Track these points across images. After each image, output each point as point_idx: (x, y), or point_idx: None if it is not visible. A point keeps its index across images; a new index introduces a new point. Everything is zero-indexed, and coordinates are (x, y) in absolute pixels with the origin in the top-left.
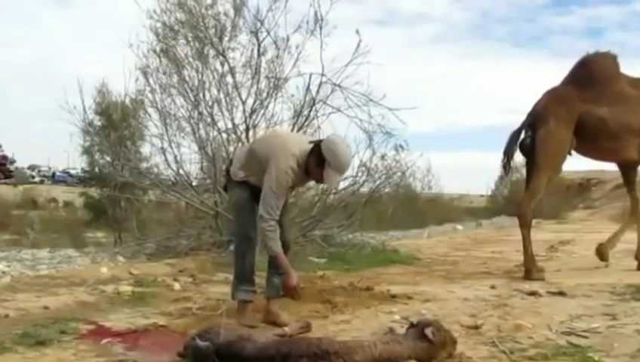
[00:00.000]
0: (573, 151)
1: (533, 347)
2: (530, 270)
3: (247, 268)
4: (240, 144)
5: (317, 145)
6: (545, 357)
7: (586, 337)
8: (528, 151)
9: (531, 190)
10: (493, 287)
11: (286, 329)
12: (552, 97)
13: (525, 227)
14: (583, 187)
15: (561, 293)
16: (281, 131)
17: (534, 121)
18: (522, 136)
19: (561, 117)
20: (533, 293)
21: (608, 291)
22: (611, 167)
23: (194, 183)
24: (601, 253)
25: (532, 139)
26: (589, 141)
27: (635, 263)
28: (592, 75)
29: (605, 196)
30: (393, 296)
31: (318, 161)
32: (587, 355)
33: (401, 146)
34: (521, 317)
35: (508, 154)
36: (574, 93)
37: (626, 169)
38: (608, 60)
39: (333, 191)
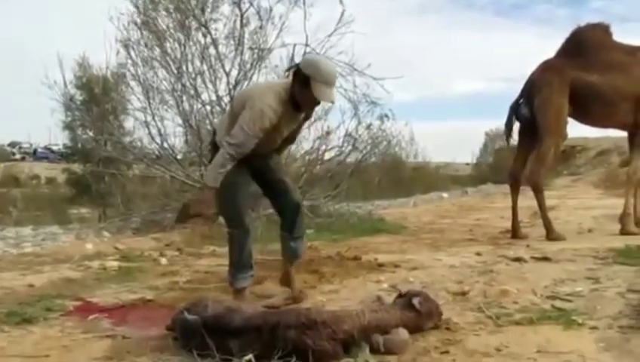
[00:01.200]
0: (569, 118)
1: (518, 311)
2: (551, 230)
3: (244, 256)
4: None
5: (296, 69)
6: (530, 321)
7: (569, 301)
8: (525, 121)
9: (540, 157)
10: (478, 254)
11: (274, 300)
12: (545, 67)
13: (539, 192)
14: (567, 154)
15: (545, 259)
16: (258, 84)
17: (529, 91)
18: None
19: (554, 85)
20: (518, 259)
21: (591, 255)
22: (595, 134)
23: (179, 156)
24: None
25: (529, 109)
26: (583, 107)
27: (619, 227)
28: (583, 45)
29: (589, 163)
30: (380, 265)
31: (301, 83)
32: (571, 318)
33: (386, 116)
34: (506, 283)
35: (508, 126)
36: (566, 62)
37: (631, 133)
38: (599, 30)
39: (319, 162)
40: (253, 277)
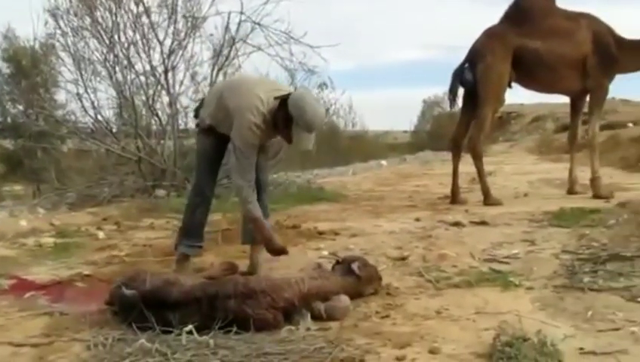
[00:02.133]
0: (515, 84)
1: (457, 275)
2: (488, 195)
3: (195, 223)
4: (159, 87)
5: (284, 101)
6: (469, 283)
7: (507, 263)
8: (469, 87)
9: (479, 123)
10: (418, 220)
11: (212, 271)
12: (488, 34)
13: (478, 159)
14: (503, 120)
15: (483, 223)
16: (251, 79)
17: (473, 57)
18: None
19: (496, 51)
20: (456, 224)
21: (527, 219)
22: (530, 100)
23: (114, 129)
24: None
25: (472, 75)
26: (528, 74)
27: (555, 191)
28: (526, 11)
29: (524, 129)
30: (320, 233)
31: (284, 117)
32: (508, 280)
33: (324, 84)
34: (445, 247)
35: (452, 92)
36: (509, 29)
37: (573, 99)
38: None
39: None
40: (201, 249)
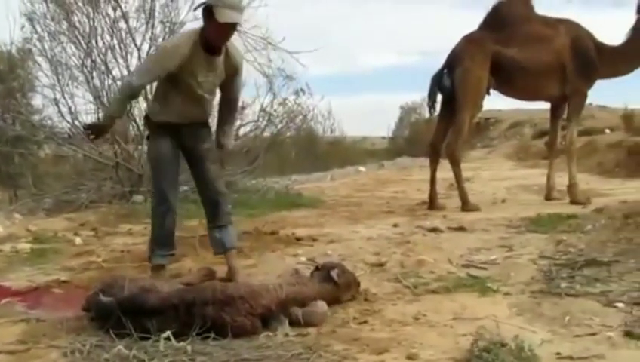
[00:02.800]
0: (494, 92)
1: (435, 280)
2: (466, 202)
3: (165, 233)
4: None
5: (199, 7)
6: (447, 289)
7: (484, 269)
8: (447, 93)
9: (457, 129)
10: (396, 226)
11: (190, 277)
12: (467, 40)
13: (456, 165)
14: (481, 126)
15: (460, 228)
16: None
17: (451, 62)
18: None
19: (474, 57)
20: (434, 230)
21: (505, 225)
22: (508, 106)
23: None
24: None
25: (450, 81)
26: (506, 81)
27: (532, 197)
28: (503, 18)
29: (502, 135)
30: (298, 239)
31: (207, 15)
32: (486, 285)
33: (302, 90)
34: (423, 253)
35: (430, 97)
36: (487, 35)
37: (554, 105)
38: (520, 3)
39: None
40: (174, 257)
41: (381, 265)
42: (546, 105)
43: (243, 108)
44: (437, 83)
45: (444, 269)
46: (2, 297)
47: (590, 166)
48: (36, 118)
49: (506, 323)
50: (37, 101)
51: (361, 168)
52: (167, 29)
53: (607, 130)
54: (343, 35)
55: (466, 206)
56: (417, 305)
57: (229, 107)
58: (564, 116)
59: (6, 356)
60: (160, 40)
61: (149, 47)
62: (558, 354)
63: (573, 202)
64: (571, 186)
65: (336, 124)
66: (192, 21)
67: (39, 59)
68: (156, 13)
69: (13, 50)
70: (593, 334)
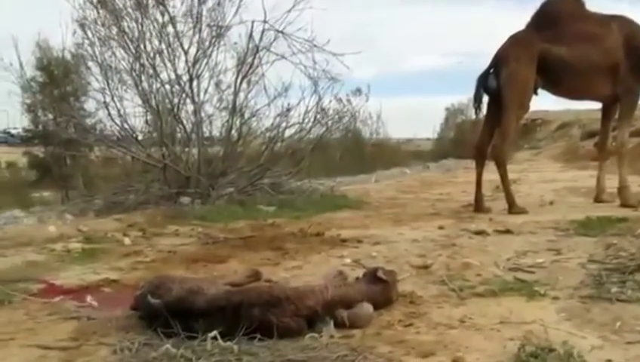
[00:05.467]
0: (542, 91)
1: (481, 284)
2: (512, 204)
3: None
4: (184, 95)
5: None
6: (493, 292)
7: (531, 272)
8: (493, 93)
9: (503, 130)
10: (441, 228)
11: (235, 278)
12: (513, 40)
13: (502, 167)
14: (528, 128)
15: (507, 231)
16: None
17: (497, 63)
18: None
19: (520, 57)
20: (480, 232)
21: (553, 227)
22: (555, 106)
23: (139, 137)
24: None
25: (497, 81)
26: (555, 80)
27: (581, 200)
28: (553, 16)
29: (549, 136)
30: (343, 241)
31: None
32: (533, 289)
33: (358, 90)
34: (469, 256)
35: (476, 98)
36: (535, 34)
37: (605, 105)
38: (569, 1)
39: (280, 139)
40: None
41: (426, 267)
42: (595, 105)
43: (288, 110)
44: (483, 83)
45: (490, 272)
46: (55, 295)
47: None
48: (88, 121)
49: (554, 328)
50: (89, 105)
51: (406, 170)
52: (213, 33)
53: None
54: (386, 37)
55: (512, 208)
56: (463, 308)
57: None
58: (616, 116)
59: (58, 352)
60: (207, 43)
61: (196, 51)
62: (609, 361)
63: (624, 205)
64: (622, 189)
65: (382, 126)
66: (238, 24)
67: (90, 64)
68: (203, 17)
69: (68, 56)
70: None
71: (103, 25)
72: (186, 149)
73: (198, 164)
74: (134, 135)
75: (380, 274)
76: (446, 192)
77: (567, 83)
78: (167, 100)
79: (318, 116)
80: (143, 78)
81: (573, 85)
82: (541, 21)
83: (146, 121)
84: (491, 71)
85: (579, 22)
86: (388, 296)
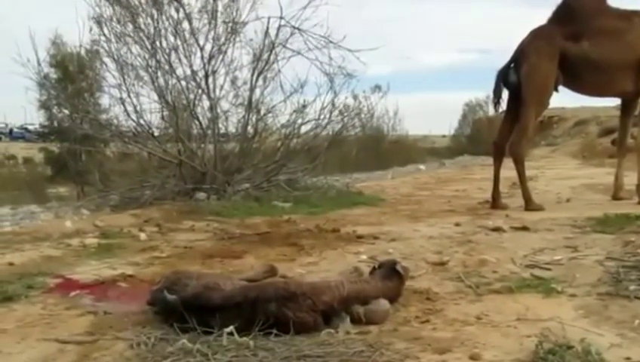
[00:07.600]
0: (562, 87)
1: (498, 280)
2: (529, 201)
3: None
4: (199, 91)
5: None
6: (510, 289)
7: (548, 269)
8: (513, 89)
9: (522, 126)
10: (457, 225)
11: (252, 273)
12: (534, 35)
13: (520, 163)
14: (545, 124)
15: (524, 228)
16: None
17: (518, 58)
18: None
19: (542, 52)
20: (497, 229)
21: (570, 224)
22: (572, 103)
23: (155, 133)
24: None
25: (517, 76)
26: (575, 76)
27: (598, 197)
28: (574, 11)
29: (566, 133)
30: (359, 237)
31: None
32: (550, 286)
33: (378, 87)
34: (485, 253)
35: (496, 93)
36: (556, 29)
37: (625, 102)
38: None
39: (296, 135)
40: None
41: (443, 264)
42: (612, 102)
43: (304, 106)
44: (503, 79)
45: (507, 269)
46: (71, 289)
47: None
48: (103, 117)
49: (572, 326)
50: (104, 101)
51: (422, 166)
52: (229, 29)
53: None
54: (403, 34)
55: (529, 205)
56: (480, 305)
57: None
58: (635, 113)
59: (75, 346)
60: (222, 40)
61: (212, 47)
62: (628, 358)
63: None
64: None
65: (399, 122)
66: (254, 20)
67: (106, 60)
68: (219, 14)
69: (83, 52)
70: None
71: (118, 22)
72: (202, 145)
73: (214, 160)
74: (150, 131)
75: (398, 267)
76: (462, 189)
77: (589, 79)
78: (183, 96)
79: (334, 113)
80: (158, 74)
81: (596, 82)
82: (563, 16)
83: (162, 117)
84: (512, 65)
85: (601, 17)
86: (400, 290)
